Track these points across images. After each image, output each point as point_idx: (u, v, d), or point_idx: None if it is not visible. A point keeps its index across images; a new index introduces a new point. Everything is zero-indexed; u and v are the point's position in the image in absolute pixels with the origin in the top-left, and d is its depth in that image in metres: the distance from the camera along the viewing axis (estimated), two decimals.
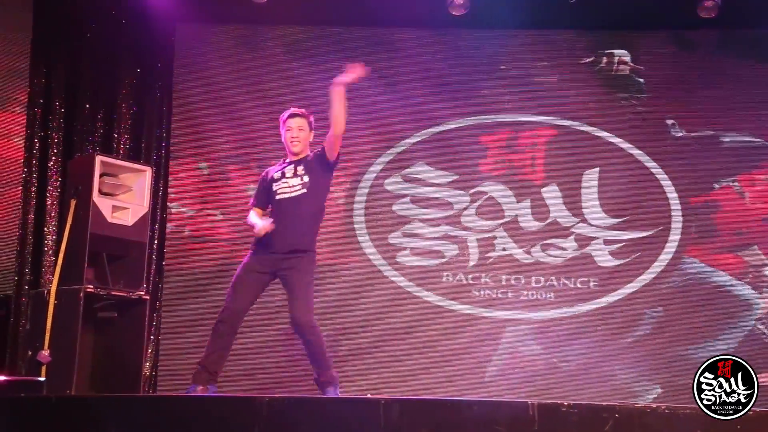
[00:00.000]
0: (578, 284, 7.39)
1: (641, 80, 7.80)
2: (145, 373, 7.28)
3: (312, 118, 5.69)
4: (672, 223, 7.41)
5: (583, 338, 7.42)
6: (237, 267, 7.62)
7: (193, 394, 5.30)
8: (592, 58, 7.87)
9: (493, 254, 7.62)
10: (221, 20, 8.25)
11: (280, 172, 5.62)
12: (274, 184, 5.60)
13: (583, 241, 7.45)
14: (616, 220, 7.41)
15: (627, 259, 7.40)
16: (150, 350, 7.59)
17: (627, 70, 7.82)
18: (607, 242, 7.39)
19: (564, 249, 7.44)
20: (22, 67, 7.58)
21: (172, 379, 7.60)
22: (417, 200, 7.70)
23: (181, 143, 8.13)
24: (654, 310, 7.45)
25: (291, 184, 5.53)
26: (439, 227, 7.61)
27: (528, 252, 7.53)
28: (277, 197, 5.56)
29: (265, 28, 8.23)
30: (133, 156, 7.90)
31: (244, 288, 5.50)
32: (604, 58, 7.86)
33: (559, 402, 3.94)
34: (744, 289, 7.41)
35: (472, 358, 7.49)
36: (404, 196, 7.72)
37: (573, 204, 7.52)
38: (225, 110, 8.14)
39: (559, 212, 7.50)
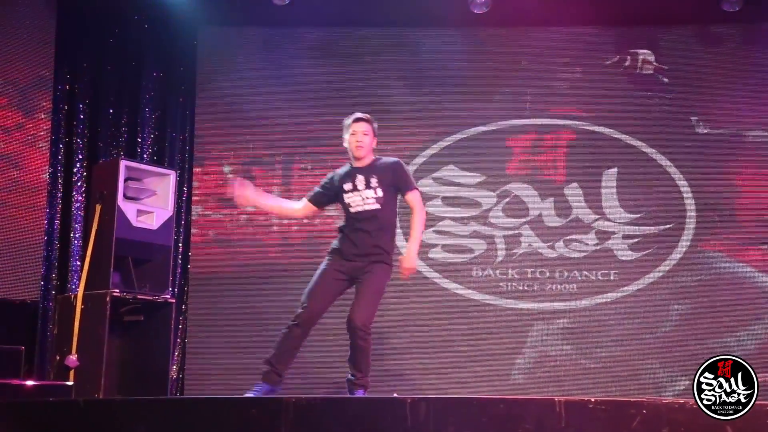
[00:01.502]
0: (599, 276, 7.59)
1: (665, 79, 7.83)
2: (172, 375, 7.31)
3: (375, 125, 5.64)
4: (686, 218, 7.58)
5: (608, 329, 7.53)
6: (261, 269, 7.82)
7: (253, 396, 5.23)
8: (616, 59, 7.88)
9: (519, 250, 7.75)
10: (244, 23, 8.27)
11: (350, 183, 5.54)
12: (345, 196, 5.53)
13: (603, 236, 7.63)
14: (633, 216, 7.62)
15: (644, 252, 7.58)
16: (177, 353, 7.62)
17: (651, 69, 7.87)
18: (625, 237, 7.60)
19: (585, 244, 7.64)
20: (46, 74, 7.63)
21: (199, 381, 7.64)
22: (447, 200, 7.85)
23: (204, 146, 8.15)
24: (680, 304, 7.51)
25: (364, 197, 5.47)
26: (469, 225, 7.75)
27: (552, 247, 7.67)
28: (352, 210, 5.49)
29: (288, 30, 8.24)
30: (158, 160, 7.94)
31: (321, 293, 5.44)
32: (629, 58, 7.89)
33: (586, 399, 3.91)
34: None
35: (501, 347, 7.60)
36: (436, 196, 7.85)
37: (593, 202, 7.70)
38: (248, 113, 8.16)
39: (581, 209, 7.70)
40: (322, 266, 5.52)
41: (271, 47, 8.21)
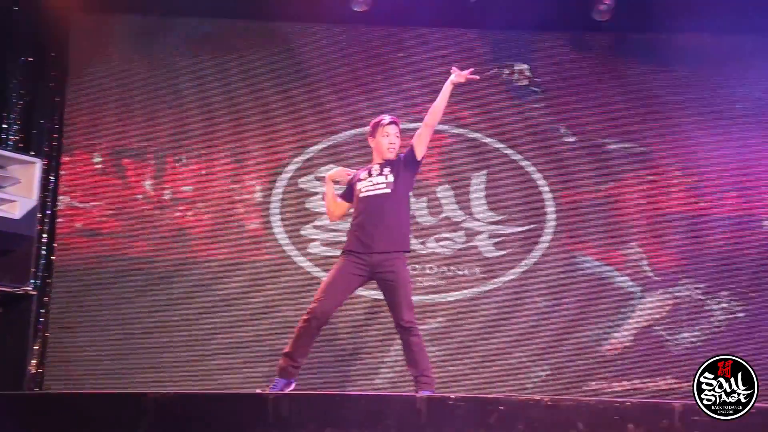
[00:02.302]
0: (466, 272, 7.81)
1: (538, 90, 8.10)
2: (31, 370, 7.10)
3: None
4: (546, 219, 7.88)
5: (473, 322, 7.72)
6: (129, 262, 7.68)
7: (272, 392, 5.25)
8: (494, 70, 8.10)
9: None
10: (118, 10, 8.09)
11: (366, 172, 5.75)
12: (359, 184, 5.71)
13: (471, 234, 7.87)
14: (499, 217, 7.88)
15: (507, 251, 7.84)
16: (37, 347, 7.38)
17: (526, 81, 8.12)
18: (491, 236, 7.85)
19: (454, 241, 7.86)
20: None
21: (61, 376, 7.44)
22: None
23: (74, 135, 7.92)
24: (545, 300, 7.76)
25: (375, 182, 5.64)
26: (347, 222, 7.70)
27: (423, 244, 7.81)
28: (362, 195, 5.65)
29: (165, 19, 8.11)
30: (24, 148, 7.66)
31: (337, 290, 5.54)
32: (506, 70, 8.12)
33: (446, 395, 4.00)
34: (625, 281, 7.84)
35: (374, 338, 7.70)
36: (316, 193, 7.88)
37: (463, 202, 7.92)
38: (121, 102, 7.99)
39: (451, 209, 7.90)
40: (340, 263, 5.62)
41: (146, 36, 8.05)
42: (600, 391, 7.51)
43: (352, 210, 5.87)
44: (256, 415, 4.08)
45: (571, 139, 8.01)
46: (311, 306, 5.50)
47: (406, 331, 5.46)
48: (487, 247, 7.84)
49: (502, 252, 7.83)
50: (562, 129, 8.02)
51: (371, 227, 5.56)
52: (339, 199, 5.94)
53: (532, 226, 7.86)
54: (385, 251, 5.52)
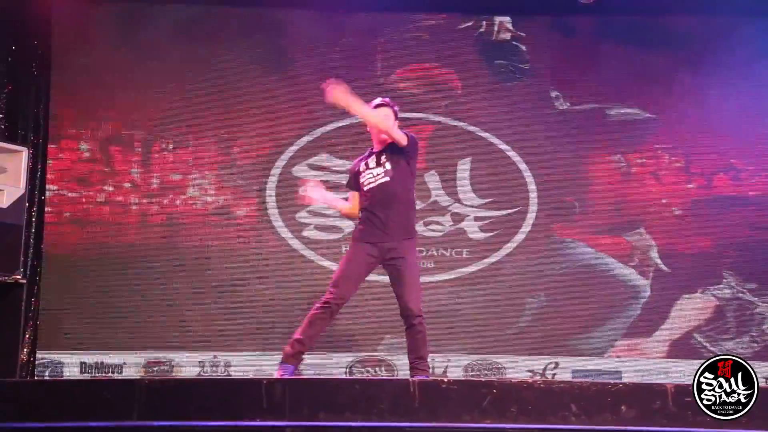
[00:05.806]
0: (453, 254, 7.94)
1: (523, 47, 8.20)
2: (23, 358, 7.09)
3: (397, 108, 5.74)
4: (529, 202, 8.00)
5: (460, 302, 7.85)
6: (119, 249, 7.67)
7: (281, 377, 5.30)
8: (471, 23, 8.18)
9: None
10: None
11: (364, 163, 5.72)
12: (361, 177, 5.69)
13: (458, 218, 8.00)
14: (484, 201, 8.02)
15: (493, 233, 7.98)
16: (28, 335, 7.37)
17: (508, 36, 8.20)
18: (476, 219, 8.01)
19: (442, 225, 7.99)
20: None
21: (52, 363, 7.45)
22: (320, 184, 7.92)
23: (60, 123, 7.88)
24: (536, 297, 7.85)
25: (374, 174, 5.62)
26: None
27: None
28: (365, 188, 5.64)
29: (152, 5, 8.08)
30: (9, 136, 7.61)
31: (351, 277, 5.55)
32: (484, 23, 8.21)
33: (438, 379, 4.02)
34: (630, 274, 7.96)
35: (368, 319, 7.77)
36: (309, 181, 7.89)
37: (449, 187, 8.03)
38: (108, 90, 7.94)
39: (438, 194, 8.03)
40: (351, 249, 5.67)
41: (131, 23, 8.00)
42: None
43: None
44: (249, 400, 4.09)
45: (563, 106, 8.11)
46: (327, 295, 5.49)
47: (411, 320, 5.45)
48: (473, 230, 7.97)
49: (488, 234, 7.96)
50: (554, 95, 8.11)
51: (381, 216, 5.55)
52: (350, 198, 5.91)
53: (515, 209, 7.97)
54: (395, 239, 5.53)
